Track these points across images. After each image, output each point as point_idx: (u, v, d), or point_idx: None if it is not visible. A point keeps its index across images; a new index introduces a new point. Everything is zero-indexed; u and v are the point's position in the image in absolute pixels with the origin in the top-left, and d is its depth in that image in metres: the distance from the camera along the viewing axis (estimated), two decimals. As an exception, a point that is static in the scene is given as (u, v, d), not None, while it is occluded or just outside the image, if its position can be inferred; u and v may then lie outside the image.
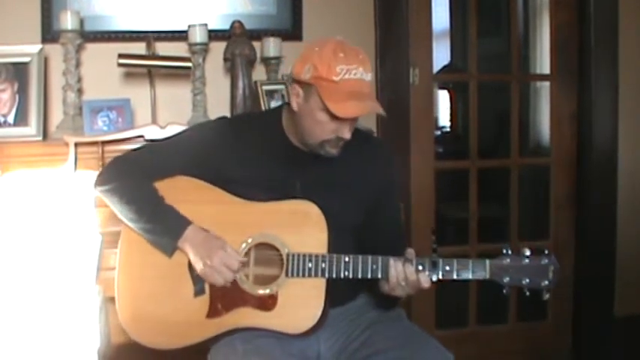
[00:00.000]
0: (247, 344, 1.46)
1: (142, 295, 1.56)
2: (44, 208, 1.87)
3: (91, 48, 2.48)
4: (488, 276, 1.46)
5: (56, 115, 2.41)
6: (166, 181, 1.59)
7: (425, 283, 1.46)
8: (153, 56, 2.37)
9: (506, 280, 1.46)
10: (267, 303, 1.50)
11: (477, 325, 2.74)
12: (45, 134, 2.28)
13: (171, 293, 1.54)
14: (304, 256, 1.49)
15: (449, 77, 4.20)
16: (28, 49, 2.29)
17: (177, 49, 2.49)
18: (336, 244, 1.50)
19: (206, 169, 1.57)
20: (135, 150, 1.69)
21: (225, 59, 2.48)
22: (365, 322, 1.59)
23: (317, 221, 1.50)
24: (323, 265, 1.48)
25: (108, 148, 2.12)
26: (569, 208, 2.76)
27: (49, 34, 2.42)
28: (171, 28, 2.53)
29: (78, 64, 2.36)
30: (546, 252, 1.47)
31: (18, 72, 2.26)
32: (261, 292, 1.50)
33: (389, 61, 2.68)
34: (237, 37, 2.47)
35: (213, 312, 1.52)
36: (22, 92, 2.26)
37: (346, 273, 1.48)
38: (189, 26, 2.41)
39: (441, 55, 4.33)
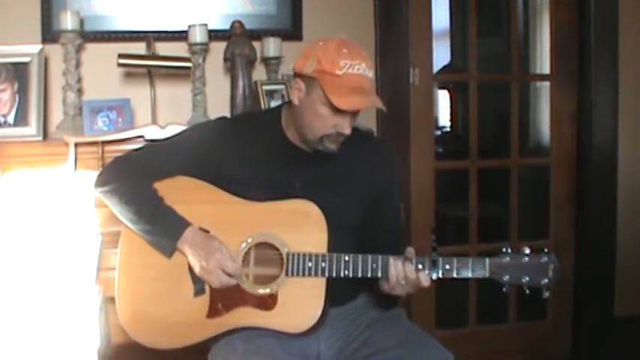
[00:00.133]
0: (247, 344, 1.46)
1: (142, 295, 1.56)
2: (44, 208, 1.87)
3: (91, 48, 2.48)
4: (487, 274, 1.46)
5: (56, 115, 2.41)
6: (166, 181, 1.59)
7: (425, 281, 1.46)
8: (153, 56, 2.37)
9: (506, 278, 1.46)
10: (267, 302, 1.50)
11: (476, 324, 2.74)
12: (45, 134, 2.29)
13: (172, 293, 1.54)
14: (304, 255, 1.49)
15: (449, 77, 4.20)
16: (28, 49, 2.29)
17: (177, 49, 2.49)
18: (335, 244, 1.50)
19: (206, 169, 1.57)
20: (134, 151, 1.69)
21: (225, 59, 2.49)
22: (365, 322, 1.59)
23: (317, 221, 1.50)
24: (323, 264, 1.48)
25: (108, 148, 2.12)
26: (569, 207, 2.76)
27: (49, 34, 2.42)
28: (171, 28, 2.53)
29: (78, 64, 2.36)
30: (546, 250, 1.47)
31: (18, 72, 2.26)
32: (261, 291, 1.51)
33: (389, 61, 2.68)
34: (237, 37, 2.47)
35: (213, 312, 1.52)
36: (22, 92, 2.26)
37: (346, 272, 1.48)
38: (189, 26, 2.41)
39: (441, 55, 4.33)
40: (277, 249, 1.52)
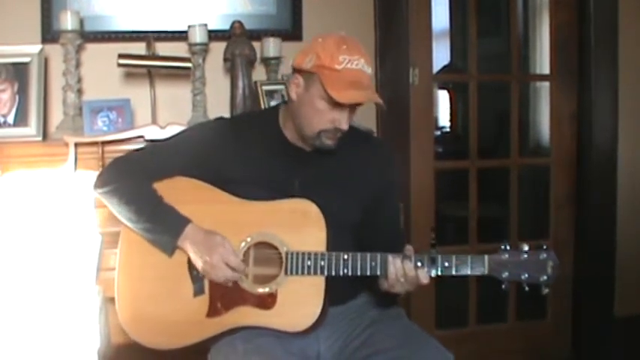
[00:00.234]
0: (247, 343, 1.46)
1: (142, 295, 1.56)
2: (44, 208, 1.87)
3: (91, 48, 2.48)
4: (487, 271, 1.46)
5: (56, 116, 2.41)
6: (165, 182, 1.59)
7: (424, 279, 1.46)
8: (153, 56, 2.37)
9: (505, 275, 1.46)
10: (266, 301, 1.50)
11: (476, 324, 2.74)
12: (45, 134, 2.29)
13: (171, 293, 1.54)
14: (303, 254, 1.49)
15: (449, 77, 4.21)
16: (28, 50, 2.29)
17: (177, 49, 2.49)
18: (334, 243, 1.50)
19: (206, 169, 1.57)
20: (133, 151, 1.69)
21: (225, 59, 2.49)
22: (366, 321, 1.59)
23: (316, 220, 1.51)
24: (322, 262, 1.48)
25: (108, 148, 2.12)
26: (569, 207, 2.76)
27: (49, 34, 2.42)
28: (171, 28, 2.53)
29: (78, 65, 2.36)
30: (545, 247, 1.47)
31: (18, 72, 2.27)
32: (260, 290, 1.51)
33: (389, 61, 2.68)
34: (237, 38, 2.47)
35: (212, 311, 1.52)
36: (22, 92, 2.26)
37: (345, 270, 1.48)
38: (189, 26, 2.41)
39: (441, 55, 4.33)
40: (276, 248, 1.52)
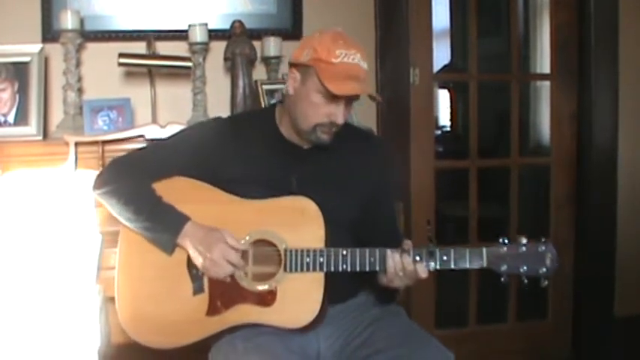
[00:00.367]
0: (248, 342, 1.46)
1: (142, 295, 1.56)
2: (44, 208, 1.87)
3: (92, 47, 2.48)
4: (485, 264, 1.46)
5: (56, 115, 2.42)
6: (164, 181, 1.59)
7: (422, 273, 1.46)
8: (153, 56, 2.37)
9: (504, 268, 1.46)
10: (266, 299, 1.50)
11: (476, 324, 2.73)
12: (45, 134, 2.29)
13: (171, 293, 1.54)
14: (302, 251, 1.49)
15: (449, 77, 4.21)
16: (28, 49, 2.29)
17: (178, 48, 2.50)
18: (333, 240, 1.50)
19: (205, 168, 1.57)
20: (131, 152, 1.70)
21: (226, 59, 2.49)
22: (366, 320, 1.59)
23: (314, 217, 1.51)
24: (321, 259, 1.48)
25: (108, 147, 2.13)
26: (569, 207, 2.76)
27: (50, 33, 2.42)
28: (171, 27, 2.53)
29: (78, 64, 2.36)
30: (543, 240, 1.47)
31: (18, 72, 2.27)
32: (260, 288, 1.51)
33: (389, 61, 2.68)
34: (237, 37, 2.47)
35: (212, 310, 1.52)
36: (23, 92, 2.26)
37: (344, 266, 1.48)
38: (189, 26, 2.41)
39: (441, 55, 4.33)
40: (275, 246, 1.52)
